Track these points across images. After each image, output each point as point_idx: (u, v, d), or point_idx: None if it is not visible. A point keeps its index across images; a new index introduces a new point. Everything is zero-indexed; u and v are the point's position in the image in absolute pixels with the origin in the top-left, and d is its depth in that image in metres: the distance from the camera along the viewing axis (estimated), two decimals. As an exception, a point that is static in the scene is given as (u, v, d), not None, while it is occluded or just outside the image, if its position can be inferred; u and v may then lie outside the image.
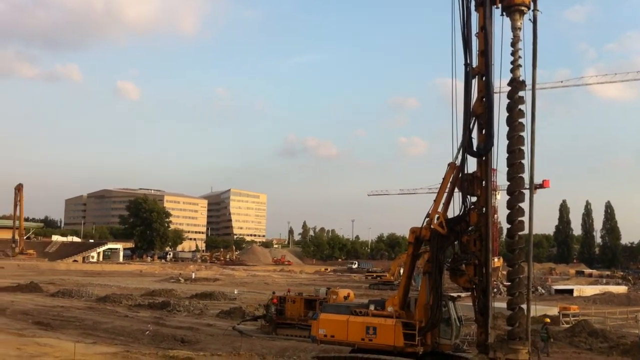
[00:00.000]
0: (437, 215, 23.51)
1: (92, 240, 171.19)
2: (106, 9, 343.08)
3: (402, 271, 31.24)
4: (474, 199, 23.45)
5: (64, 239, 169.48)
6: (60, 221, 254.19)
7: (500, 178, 73.17)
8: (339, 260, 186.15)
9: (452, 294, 26.24)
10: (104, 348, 27.71)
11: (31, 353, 25.01)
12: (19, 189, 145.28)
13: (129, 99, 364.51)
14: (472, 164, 23.55)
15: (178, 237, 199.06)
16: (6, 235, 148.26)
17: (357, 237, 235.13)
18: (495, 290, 43.50)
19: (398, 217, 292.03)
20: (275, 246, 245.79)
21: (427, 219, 23.72)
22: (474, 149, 23.25)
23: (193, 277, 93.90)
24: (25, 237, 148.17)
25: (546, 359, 30.33)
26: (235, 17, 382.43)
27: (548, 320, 36.50)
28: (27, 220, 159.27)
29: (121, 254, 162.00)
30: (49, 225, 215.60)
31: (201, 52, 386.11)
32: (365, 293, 66.14)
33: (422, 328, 23.33)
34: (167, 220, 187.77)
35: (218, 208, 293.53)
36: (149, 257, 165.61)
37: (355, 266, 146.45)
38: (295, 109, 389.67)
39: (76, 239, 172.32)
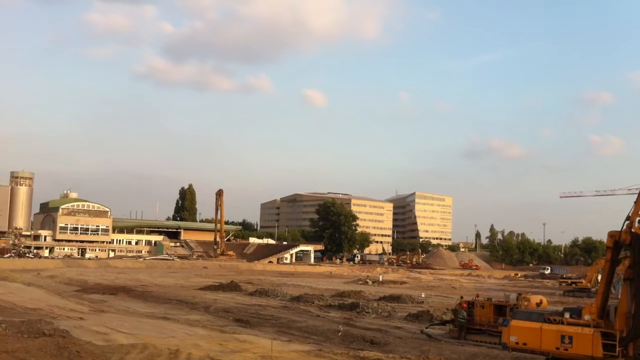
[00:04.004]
0: (638, 218, 22.01)
1: (285, 243, 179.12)
2: (294, 20, 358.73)
3: (600, 277, 29.45)
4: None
5: (260, 241, 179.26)
6: (257, 224, 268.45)
7: None
8: (530, 265, 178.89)
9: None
10: (298, 346, 28.91)
11: (232, 348, 26.58)
12: (219, 194, 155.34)
13: (316, 106, 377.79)
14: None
15: (365, 239, 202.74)
16: (209, 237, 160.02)
17: (549, 241, 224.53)
18: None
19: (594, 220, 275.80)
20: (462, 250, 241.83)
21: (627, 222, 22.31)
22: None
23: (380, 279, 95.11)
24: (225, 239, 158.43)
25: None
26: (414, 19, 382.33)
27: None
28: (227, 223, 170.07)
29: (312, 255, 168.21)
30: (247, 228, 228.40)
31: (383, 56, 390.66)
32: (560, 300, 62.95)
33: (624, 338, 21.96)
34: (354, 223, 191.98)
35: (403, 211, 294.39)
36: (338, 259, 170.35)
37: (547, 272, 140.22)
38: (478, 109, 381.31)
39: (271, 241, 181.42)
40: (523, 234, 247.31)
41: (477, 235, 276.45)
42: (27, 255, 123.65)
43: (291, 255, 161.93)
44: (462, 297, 38.83)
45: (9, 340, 24.68)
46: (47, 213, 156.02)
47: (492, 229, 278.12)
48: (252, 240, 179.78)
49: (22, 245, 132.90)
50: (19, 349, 23.25)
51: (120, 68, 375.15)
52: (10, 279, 64.81)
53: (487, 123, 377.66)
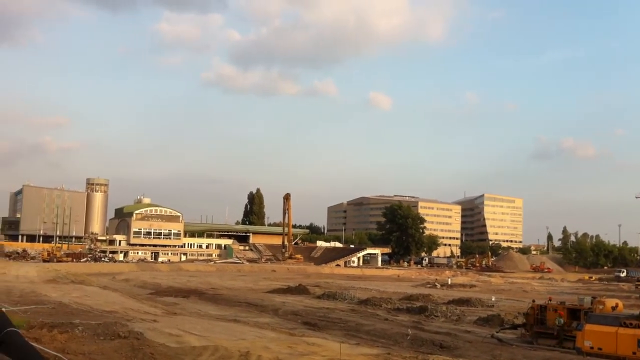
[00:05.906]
0: None
1: (352, 246, 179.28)
2: (359, 24, 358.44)
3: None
4: None
5: (327, 244, 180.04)
6: (324, 227, 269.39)
7: None
8: (605, 268, 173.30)
9: None
10: (366, 349, 28.87)
11: (300, 351, 26.74)
12: (287, 198, 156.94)
13: (381, 108, 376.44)
14: None
15: (433, 242, 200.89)
16: (277, 241, 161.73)
17: (625, 242, 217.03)
18: None
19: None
20: (534, 252, 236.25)
21: None
22: None
23: (449, 282, 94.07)
24: (293, 243, 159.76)
25: None
26: (480, 19, 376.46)
27: None
28: (294, 227, 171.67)
29: (379, 258, 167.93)
30: (314, 232, 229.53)
31: (448, 57, 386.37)
32: (636, 303, 60.73)
33: None
34: (422, 226, 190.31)
35: (472, 213, 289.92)
36: (405, 262, 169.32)
37: (623, 274, 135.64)
38: (548, 109, 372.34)
39: (338, 245, 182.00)
40: (597, 236, 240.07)
41: (549, 237, 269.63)
42: (103, 259, 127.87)
43: (358, 258, 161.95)
44: (533, 301, 37.97)
45: (85, 342, 25.55)
46: (121, 218, 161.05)
47: (564, 231, 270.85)
48: (320, 243, 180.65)
49: (98, 250, 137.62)
50: (95, 351, 24.06)
51: (189, 75, 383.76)
52: (86, 282, 67.21)
53: (558, 123, 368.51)
